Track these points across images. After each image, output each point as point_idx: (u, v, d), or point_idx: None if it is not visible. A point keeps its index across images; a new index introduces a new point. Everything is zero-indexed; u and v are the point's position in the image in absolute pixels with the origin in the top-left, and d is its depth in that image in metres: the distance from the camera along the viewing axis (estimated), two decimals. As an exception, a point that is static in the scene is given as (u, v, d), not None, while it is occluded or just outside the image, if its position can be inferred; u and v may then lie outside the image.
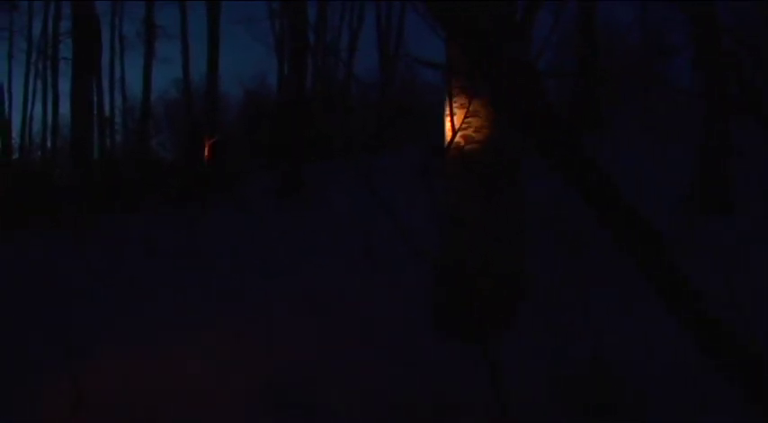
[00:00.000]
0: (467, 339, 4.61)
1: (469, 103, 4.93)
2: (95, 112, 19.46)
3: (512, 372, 3.99)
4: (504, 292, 4.85)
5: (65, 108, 37.69)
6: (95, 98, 19.71)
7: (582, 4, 14.71)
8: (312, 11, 21.30)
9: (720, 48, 7.40)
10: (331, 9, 21.60)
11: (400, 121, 19.78)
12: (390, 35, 21.13)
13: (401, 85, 22.28)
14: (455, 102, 5.06)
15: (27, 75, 25.74)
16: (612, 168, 6.89)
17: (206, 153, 15.43)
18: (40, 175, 19.69)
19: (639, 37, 19.07)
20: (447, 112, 5.16)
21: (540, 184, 7.62)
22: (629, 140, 12.24)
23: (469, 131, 5.01)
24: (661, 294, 1.61)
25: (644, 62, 18.22)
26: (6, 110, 24.70)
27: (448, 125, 5.17)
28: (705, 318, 1.59)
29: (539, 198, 6.51)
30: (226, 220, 11.48)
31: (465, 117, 4.96)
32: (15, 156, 24.91)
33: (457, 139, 5.03)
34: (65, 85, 21.21)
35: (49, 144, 25.79)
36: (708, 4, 7.48)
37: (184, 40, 20.97)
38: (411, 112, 20.13)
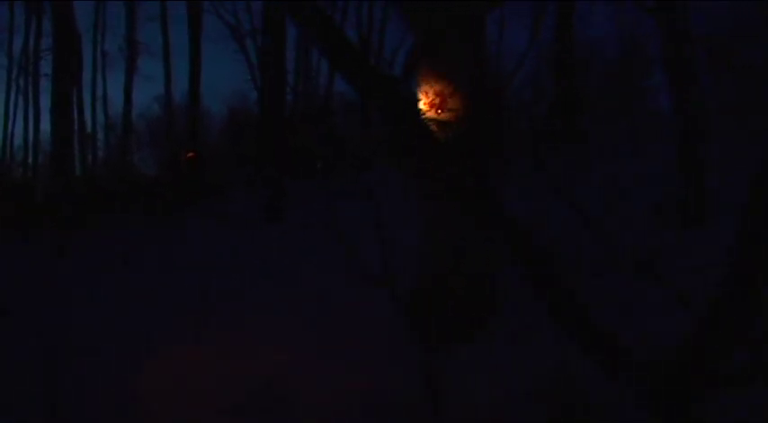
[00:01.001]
0: (440, 342, 4.68)
1: (440, 108, 5.03)
2: (76, 127, 19.43)
3: (479, 376, 4.06)
4: (477, 292, 4.89)
5: (46, 124, 37.56)
6: (76, 114, 19.69)
7: (560, 15, 14.89)
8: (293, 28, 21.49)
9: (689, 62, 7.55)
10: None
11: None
12: (370, 51, 21.24)
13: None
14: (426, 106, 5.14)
15: (8, 91, 25.67)
16: (592, 181, 6.98)
17: (184, 167, 15.46)
18: (21, 189, 19.63)
19: (618, 50, 19.32)
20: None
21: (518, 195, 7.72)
22: (608, 153, 12.39)
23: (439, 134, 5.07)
24: (543, 301, 1.67)
25: (623, 75, 18.46)
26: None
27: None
28: (587, 324, 1.64)
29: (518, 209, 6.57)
30: (205, 234, 11.50)
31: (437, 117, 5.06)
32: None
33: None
34: (46, 102, 21.20)
35: (30, 160, 25.69)
36: (676, 14, 7.62)
37: (166, 57, 21.05)
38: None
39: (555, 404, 3.79)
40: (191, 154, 15.18)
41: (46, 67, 22.08)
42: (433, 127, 5.08)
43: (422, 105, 5.18)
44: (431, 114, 5.12)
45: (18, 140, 26.81)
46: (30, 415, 4.21)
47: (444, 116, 5.08)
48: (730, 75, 11.96)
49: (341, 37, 1.40)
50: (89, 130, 24.50)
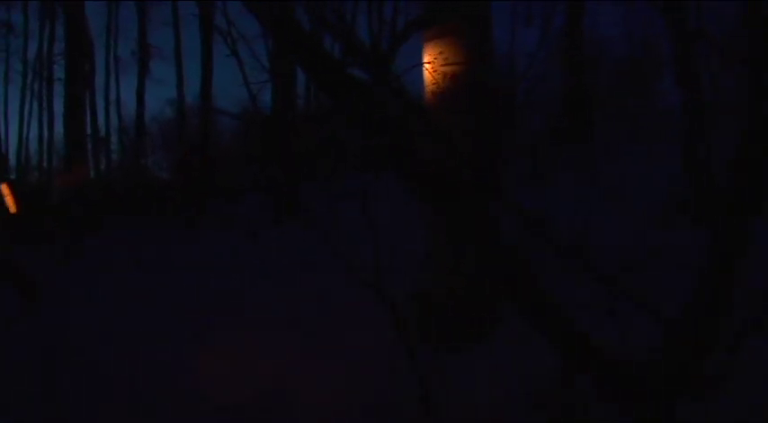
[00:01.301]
0: (441, 344, 4.67)
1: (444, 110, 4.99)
2: (90, 131, 19.60)
3: (479, 377, 4.05)
4: (477, 294, 4.84)
5: (60, 128, 37.89)
6: (89, 118, 19.86)
7: (569, 15, 14.83)
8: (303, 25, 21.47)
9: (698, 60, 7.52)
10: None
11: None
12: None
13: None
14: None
15: (23, 96, 25.97)
16: (601, 180, 6.94)
17: (194, 170, 15.49)
18: (36, 192, 19.78)
19: (627, 49, 19.21)
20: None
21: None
22: (618, 152, 12.32)
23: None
24: (525, 311, 1.66)
25: (633, 75, 18.35)
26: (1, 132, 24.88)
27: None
28: (570, 332, 1.63)
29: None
30: (212, 236, 11.55)
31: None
32: (12, 176, 25.00)
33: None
34: (60, 106, 21.42)
35: (45, 164, 25.93)
36: (683, 12, 7.59)
37: (178, 60, 21.17)
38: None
39: (555, 405, 3.77)
40: (186, 155, 15.19)
41: (60, 71, 22.33)
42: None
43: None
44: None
45: (33, 144, 27.15)
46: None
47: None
48: (740, 73, 11.86)
49: (303, 35, 1.38)
50: (103, 133, 24.74)
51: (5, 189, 3.18)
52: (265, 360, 4.74)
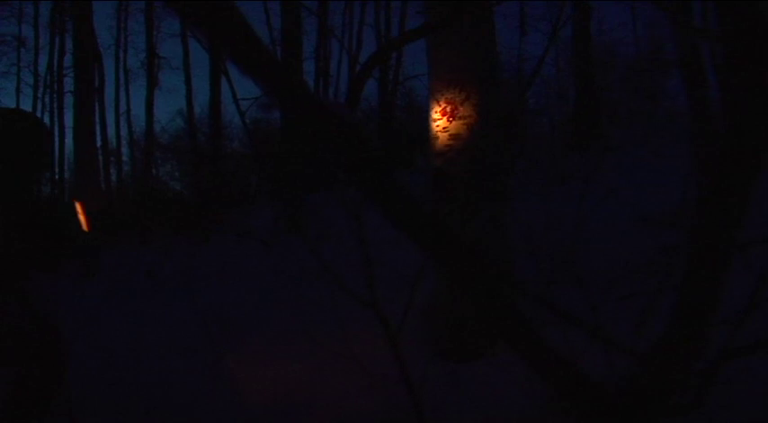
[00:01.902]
0: (454, 358, 4.66)
1: (451, 116, 4.98)
2: (99, 143, 19.71)
3: (489, 389, 4.04)
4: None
5: (71, 141, 38.15)
6: (99, 129, 20.00)
7: (576, 19, 14.84)
8: (312, 37, 21.62)
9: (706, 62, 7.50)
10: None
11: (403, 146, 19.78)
12: (389, 58, 21.28)
13: (400, 109, 22.39)
14: (437, 119, 5.09)
15: (34, 109, 26.15)
16: (610, 183, 6.90)
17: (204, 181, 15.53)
18: (48, 205, 19.85)
19: (635, 52, 19.19)
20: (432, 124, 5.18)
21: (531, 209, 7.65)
22: (628, 156, 12.29)
23: (451, 142, 5.02)
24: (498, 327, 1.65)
25: (641, 77, 18.31)
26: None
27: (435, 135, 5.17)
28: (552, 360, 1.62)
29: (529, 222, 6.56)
30: (224, 247, 11.58)
31: (446, 131, 5.01)
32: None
33: (439, 149, 5.05)
34: (70, 119, 21.61)
35: (56, 176, 26.10)
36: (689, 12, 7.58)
37: (187, 71, 21.32)
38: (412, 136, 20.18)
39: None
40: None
41: (70, 84, 22.50)
42: (446, 137, 5.06)
43: (433, 114, 5.15)
44: (442, 123, 5.08)
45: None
46: None
47: (455, 125, 5.03)
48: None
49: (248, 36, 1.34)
50: (113, 145, 24.89)
51: (79, 207, 3.19)
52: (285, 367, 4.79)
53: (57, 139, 24.71)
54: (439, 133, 5.07)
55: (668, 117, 15.35)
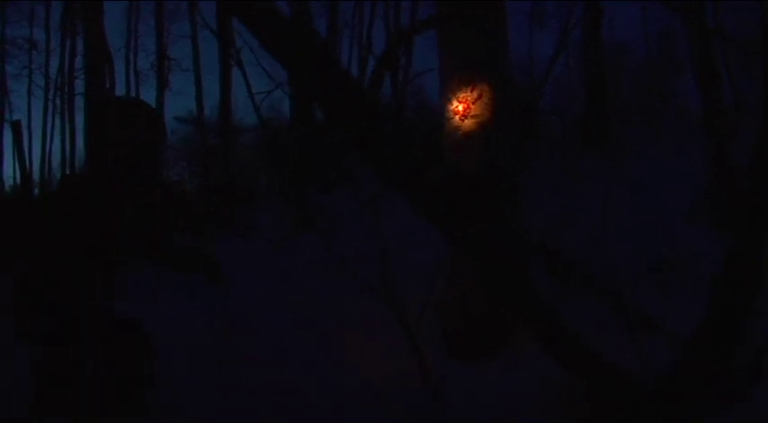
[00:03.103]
0: (466, 357, 4.63)
1: (464, 114, 4.96)
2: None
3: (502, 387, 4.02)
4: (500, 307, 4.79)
5: (82, 142, 38.28)
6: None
7: (588, 17, 14.78)
8: (322, 32, 21.58)
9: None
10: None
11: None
12: (399, 61, 21.21)
13: (411, 109, 22.36)
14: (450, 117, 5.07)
15: (45, 110, 26.33)
16: (621, 182, 6.87)
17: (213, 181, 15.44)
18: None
19: (646, 52, 19.10)
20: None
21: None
22: (638, 155, 12.24)
23: (463, 141, 4.99)
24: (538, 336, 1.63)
25: (652, 76, 18.23)
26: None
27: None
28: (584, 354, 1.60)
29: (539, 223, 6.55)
30: (233, 247, 11.56)
31: (458, 130, 4.99)
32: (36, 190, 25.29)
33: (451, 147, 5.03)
34: (81, 120, 21.70)
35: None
36: (702, 13, 7.54)
37: (197, 72, 21.39)
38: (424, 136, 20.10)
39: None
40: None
41: (80, 86, 22.60)
42: (458, 136, 5.03)
43: (447, 112, 5.11)
44: (455, 122, 5.05)
45: (56, 158, 27.49)
46: None
47: (469, 124, 5.00)
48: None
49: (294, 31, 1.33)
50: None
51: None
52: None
53: (68, 140, 24.83)
54: (450, 132, 5.05)
55: (680, 116, 15.28)
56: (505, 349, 4.62)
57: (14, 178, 24.44)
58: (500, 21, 5.15)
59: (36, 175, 26.02)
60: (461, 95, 4.99)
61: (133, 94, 25.40)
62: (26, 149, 24.50)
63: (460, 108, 5.00)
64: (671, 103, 18.33)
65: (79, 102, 22.40)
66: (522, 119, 10.67)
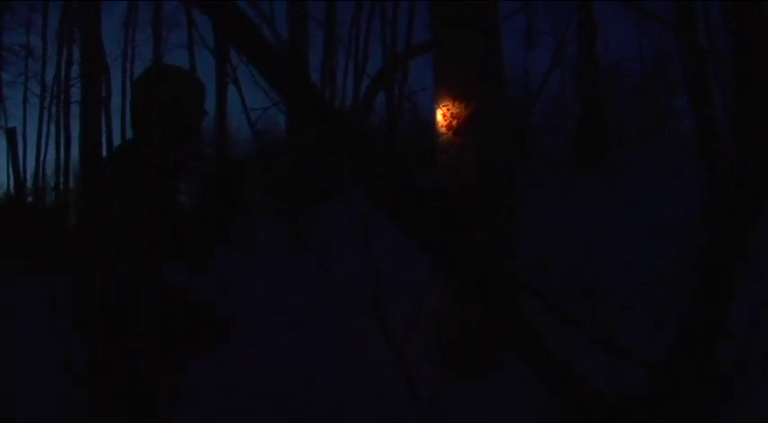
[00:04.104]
0: (460, 372, 4.62)
1: (458, 130, 4.95)
2: (106, 153, 19.71)
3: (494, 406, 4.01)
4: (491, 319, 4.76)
5: (76, 151, 38.26)
6: (105, 139, 20.04)
7: (583, 32, 14.86)
8: (318, 50, 21.69)
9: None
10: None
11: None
12: (395, 72, 21.24)
13: (406, 123, 22.37)
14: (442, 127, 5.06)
15: (41, 118, 26.29)
16: (616, 201, 6.92)
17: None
18: (54, 215, 19.84)
19: (641, 71, 19.20)
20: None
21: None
22: (633, 173, 12.28)
23: (457, 156, 4.98)
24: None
25: (647, 96, 18.32)
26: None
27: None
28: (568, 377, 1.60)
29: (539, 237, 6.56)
30: (229, 262, 11.50)
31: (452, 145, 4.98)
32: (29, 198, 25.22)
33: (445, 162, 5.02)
34: (77, 128, 21.68)
35: (62, 186, 26.13)
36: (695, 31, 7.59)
37: (193, 82, 21.39)
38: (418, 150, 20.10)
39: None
40: None
41: (76, 94, 22.59)
42: (452, 152, 5.03)
43: (439, 127, 5.11)
44: (447, 137, 5.05)
45: (51, 166, 27.41)
46: None
47: (461, 139, 5.00)
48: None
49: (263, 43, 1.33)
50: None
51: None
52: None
53: (62, 148, 24.79)
54: (445, 147, 5.05)
55: (675, 136, 15.35)
56: (501, 361, 4.60)
57: (8, 186, 24.32)
58: (495, 40, 5.18)
59: (30, 183, 25.96)
60: (455, 111, 4.99)
61: (130, 102, 25.35)
62: (21, 157, 24.51)
63: (455, 123, 5.00)
64: (666, 123, 18.43)
65: (75, 110, 22.39)
66: (517, 135, 10.70)
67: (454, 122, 4.99)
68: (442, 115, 5.06)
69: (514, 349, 1.70)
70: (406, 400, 3.75)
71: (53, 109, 25.93)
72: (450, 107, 5.01)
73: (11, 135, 18.25)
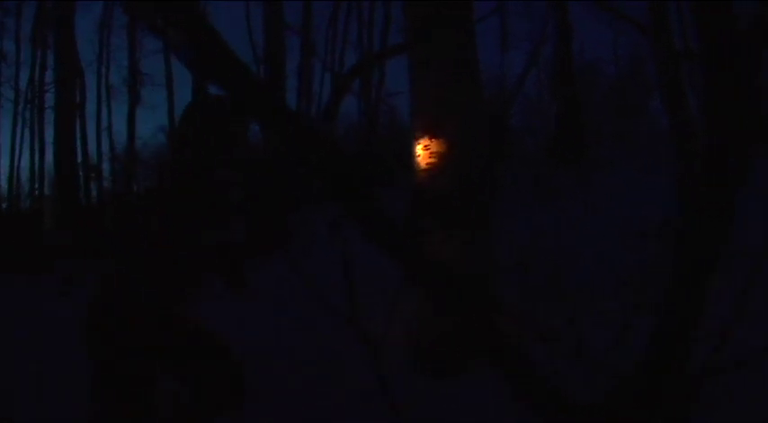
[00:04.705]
0: (434, 374, 4.61)
1: (434, 134, 4.92)
2: (80, 158, 19.57)
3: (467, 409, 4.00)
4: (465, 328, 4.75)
5: (51, 156, 37.90)
6: (79, 145, 19.85)
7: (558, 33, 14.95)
8: (295, 55, 21.63)
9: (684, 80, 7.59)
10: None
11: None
12: (372, 78, 21.28)
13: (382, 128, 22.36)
14: (419, 142, 5.03)
15: (14, 124, 25.95)
16: (594, 200, 6.93)
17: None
18: (29, 220, 19.62)
19: (616, 72, 19.36)
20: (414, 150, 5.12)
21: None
22: (611, 172, 12.38)
23: (433, 160, 4.95)
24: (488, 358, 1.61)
25: (624, 96, 18.48)
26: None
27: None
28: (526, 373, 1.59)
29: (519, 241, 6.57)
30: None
31: (428, 157, 4.94)
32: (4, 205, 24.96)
33: (421, 175, 5.00)
34: (51, 134, 21.49)
35: (37, 191, 25.85)
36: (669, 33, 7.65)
37: (169, 87, 21.32)
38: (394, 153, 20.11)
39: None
40: None
41: (51, 99, 22.35)
42: (428, 155, 5.00)
43: (417, 150, 5.06)
44: (424, 141, 5.02)
45: (25, 172, 27.12)
46: None
47: (437, 143, 4.96)
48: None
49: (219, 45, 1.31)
50: (94, 161, 24.73)
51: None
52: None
53: (37, 154, 24.52)
54: (421, 151, 5.02)
55: (651, 135, 15.49)
56: (475, 364, 4.59)
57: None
58: (470, 42, 5.17)
59: (4, 190, 25.67)
60: (432, 113, 4.97)
61: (105, 107, 25.19)
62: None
63: (431, 127, 4.97)
64: (642, 122, 18.60)
65: (49, 115, 22.13)
66: (494, 136, 10.72)
67: (431, 126, 4.97)
68: (418, 120, 5.04)
69: (484, 356, 1.68)
70: (379, 401, 3.73)
71: (27, 114, 25.66)
72: (428, 112, 5.00)
73: (-16, 141, 18.04)
